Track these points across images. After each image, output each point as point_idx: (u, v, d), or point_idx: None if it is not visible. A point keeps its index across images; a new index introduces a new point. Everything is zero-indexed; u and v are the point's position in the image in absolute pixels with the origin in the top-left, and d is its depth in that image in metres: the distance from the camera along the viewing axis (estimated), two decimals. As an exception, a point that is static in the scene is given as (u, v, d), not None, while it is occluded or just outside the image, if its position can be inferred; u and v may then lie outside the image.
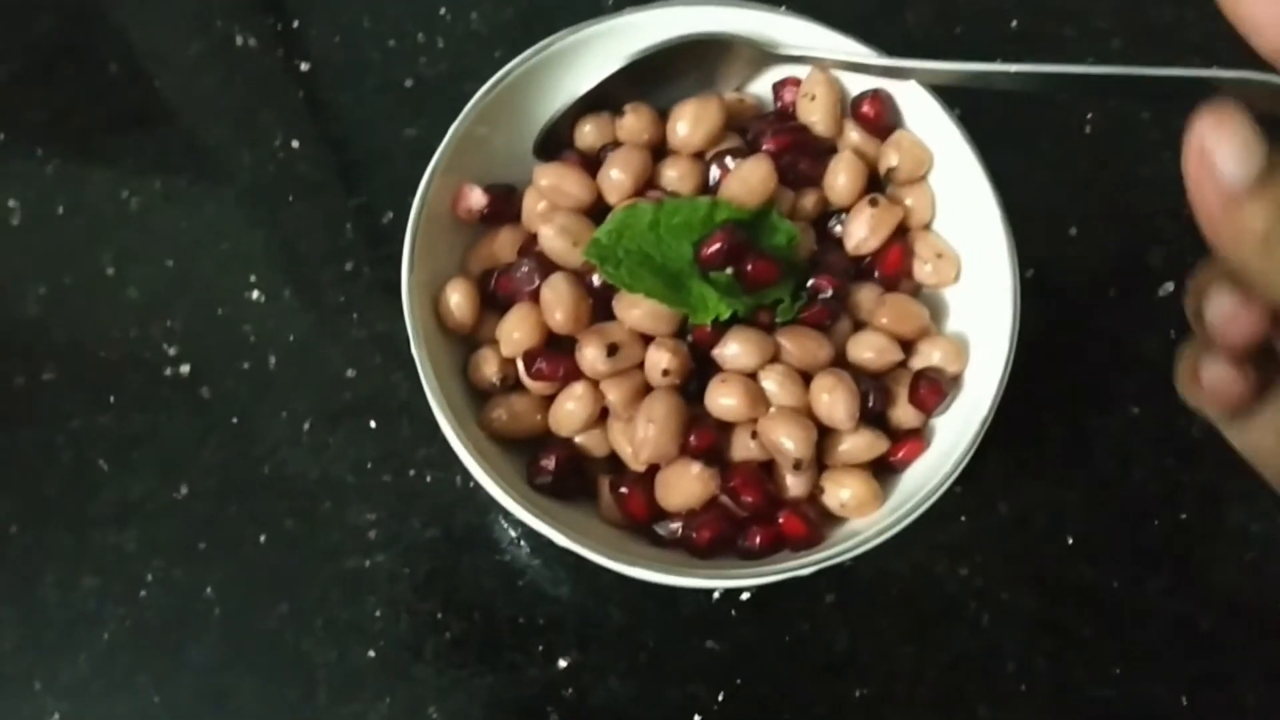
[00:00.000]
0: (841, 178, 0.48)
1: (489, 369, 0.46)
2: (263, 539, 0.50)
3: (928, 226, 0.49)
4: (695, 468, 0.43)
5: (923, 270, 0.48)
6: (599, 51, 0.49)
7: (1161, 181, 0.58)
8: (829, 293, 0.46)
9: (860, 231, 0.48)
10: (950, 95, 0.48)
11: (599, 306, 0.45)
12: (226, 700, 0.48)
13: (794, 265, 0.46)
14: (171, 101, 0.59)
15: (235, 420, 0.52)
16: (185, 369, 0.53)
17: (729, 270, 0.45)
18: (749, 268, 0.44)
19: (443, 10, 0.60)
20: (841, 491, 0.44)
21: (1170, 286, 0.55)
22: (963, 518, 0.51)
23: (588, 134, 0.49)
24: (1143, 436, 0.53)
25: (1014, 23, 0.61)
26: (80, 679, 0.48)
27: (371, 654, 0.49)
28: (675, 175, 0.47)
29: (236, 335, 0.54)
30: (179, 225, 0.56)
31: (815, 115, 0.49)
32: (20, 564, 0.50)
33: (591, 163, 0.49)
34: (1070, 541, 0.51)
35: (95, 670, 0.48)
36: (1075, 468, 0.53)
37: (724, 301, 0.44)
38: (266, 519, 0.51)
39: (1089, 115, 0.59)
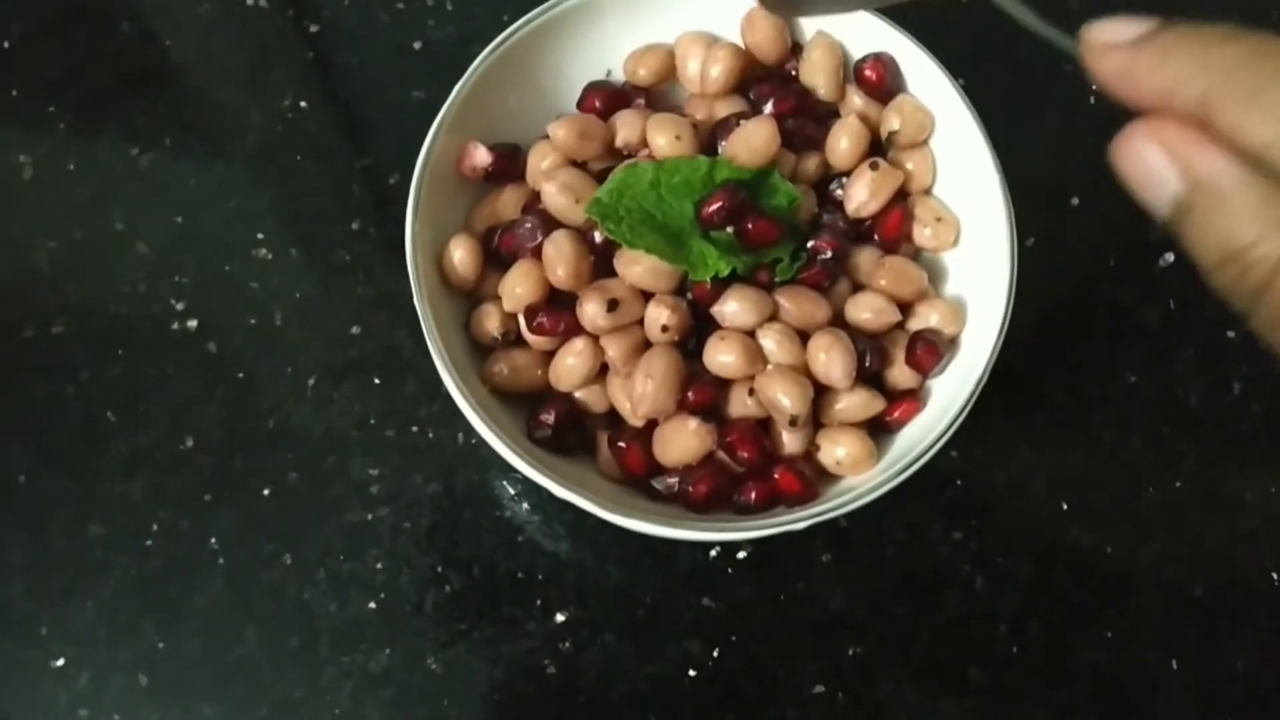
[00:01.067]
0: (843, 141, 0.49)
1: (491, 324, 0.47)
2: (267, 491, 0.51)
3: (928, 191, 0.50)
4: (693, 423, 0.44)
5: (922, 234, 0.49)
6: (604, 13, 0.50)
7: (1164, 153, 0.58)
8: (828, 254, 0.46)
9: (861, 194, 0.48)
10: (956, 65, 0.48)
11: (600, 263, 0.46)
12: (230, 648, 0.49)
13: (795, 227, 0.47)
14: (182, 61, 0.60)
15: (241, 375, 0.53)
16: (193, 324, 0.54)
17: (729, 229, 0.45)
18: (749, 227, 0.45)
19: (452, -28, 0.61)
20: (837, 449, 0.45)
21: (1170, 257, 0.56)
22: (959, 482, 0.52)
23: (642, 76, 0.51)
24: (1140, 405, 0.54)
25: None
26: (87, 625, 0.49)
27: (372, 605, 0.49)
28: (664, 142, 0.47)
29: (244, 291, 0.54)
30: (188, 183, 0.56)
31: (818, 79, 0.49)
32: (29, 512, 0.51)
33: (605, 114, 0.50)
34: (1065, 507, 0.52)
35: (101, 616, 0.49)
36: (1073, 435, 0.53)
37: (724, 259, 0.44)
38: (271, 472, 0.51)
39: (1093, 87, 0.58)
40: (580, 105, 0.51)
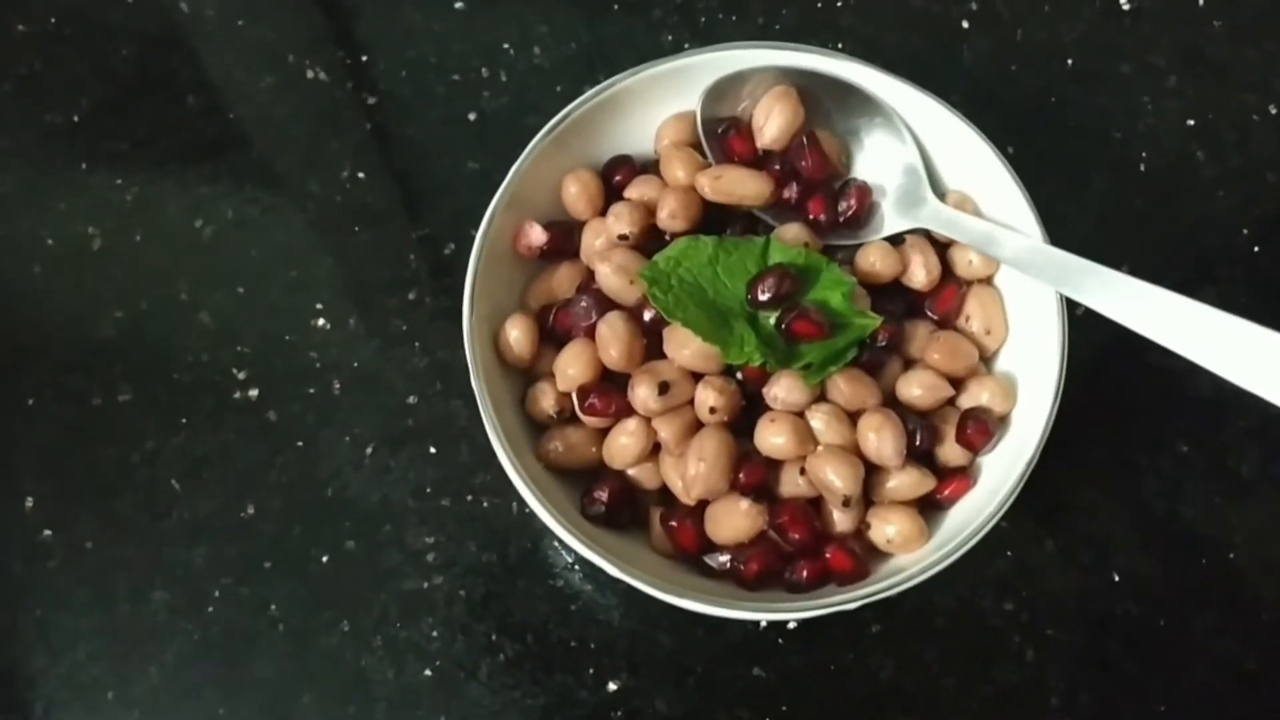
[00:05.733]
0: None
1: (546, 402, 0.47)
2: (325, 559, 0.52)
3: (989, 280, 0.50)
4: (744, 504, 0.44)
5: (968, 329, 0.49)
6: (659, 92, 0.51)
7: (1216, 221, 0.58)
8: (883, 342, 0.47)
9: (919, 273, 0.48)
10: (1002, 132, 0.49)
11: (652, 343, 0.46)
12: (288, 714, 0.50)
13: (845, 319, 0.46)
14: (245, 132, 0.61)
15: (300, 443, 0.54)
16: (254, 393, 0.55)
17: (775, 316, 0.46)
18: (791, 321, 0.45)
19: (506, 45, 0.62)
20: (888, 527, 0.45)
21: (1222, 326, 0.55)
22: (1009, 552, 0.52)
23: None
24: (1192, 475, 0.54)
25: (1070, 60, 0.62)
26: (150, 689, 0.50)
27: (428, 672, 0.50)
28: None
29: (303, 361, 0.55)
30: (249, 253, 0.58)
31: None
32: (95, 577, 0.52)
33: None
34: (1116, 578, 0.52)
35: (164, 681, 0.50)
36: (1124, 504, 0.53)
37: (759, 350, 0.45)
38: (329, 540, 0.52)
39: (1144, 154, 0.59)
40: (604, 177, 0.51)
